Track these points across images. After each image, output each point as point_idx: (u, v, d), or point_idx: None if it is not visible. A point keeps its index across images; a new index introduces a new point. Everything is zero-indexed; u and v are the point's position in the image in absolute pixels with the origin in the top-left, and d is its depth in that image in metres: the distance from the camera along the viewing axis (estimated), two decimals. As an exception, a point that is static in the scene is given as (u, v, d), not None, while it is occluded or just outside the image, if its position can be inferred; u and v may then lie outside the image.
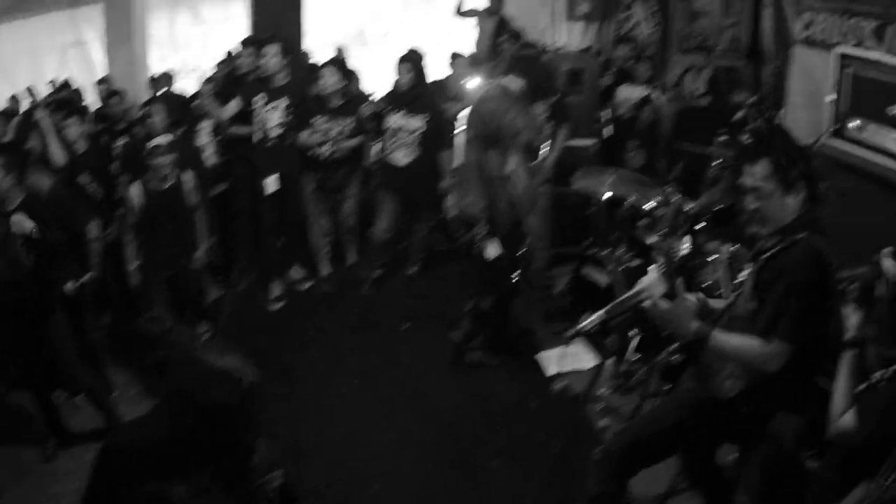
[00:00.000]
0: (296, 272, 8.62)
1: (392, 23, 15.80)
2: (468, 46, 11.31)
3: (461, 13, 11.59)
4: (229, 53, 9.34)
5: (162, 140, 6.95)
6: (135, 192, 6.91)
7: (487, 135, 6.23)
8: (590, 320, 4.93)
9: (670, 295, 3.71)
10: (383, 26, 15.78)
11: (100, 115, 9.66)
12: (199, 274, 7.41)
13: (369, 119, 8.48)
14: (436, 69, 9.27)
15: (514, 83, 6.41)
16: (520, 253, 6.59)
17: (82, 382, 6.02)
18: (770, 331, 3.51)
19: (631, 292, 4.52)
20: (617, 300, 4.89)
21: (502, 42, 10.13)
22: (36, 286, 5.71)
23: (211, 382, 2.64)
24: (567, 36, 13.10)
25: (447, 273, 8.65)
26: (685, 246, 5.66)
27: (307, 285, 8.64)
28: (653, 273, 4.14)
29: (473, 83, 8.54)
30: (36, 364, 5.85)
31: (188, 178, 7.10)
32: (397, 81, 8.18)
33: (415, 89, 8.01)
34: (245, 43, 8.97)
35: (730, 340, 3.65)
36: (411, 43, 8.83)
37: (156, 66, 13.31)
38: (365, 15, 15.72)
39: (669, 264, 3.91)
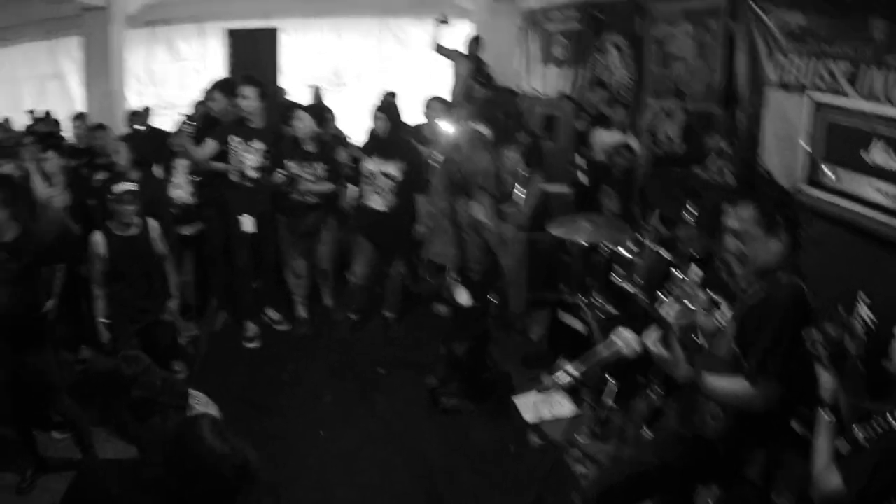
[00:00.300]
0: (272, 313, 8.61)
1: (366, 63, 15.89)
2: (444, 87, 11.35)
3: (440, 51, 11.63)
4: (206, 92, 9.32)
5: (127, 186, 6.70)
6: (98, 239, 6.67)
7: (457, 180, 6.26)
8: (568, 375, 4.93)
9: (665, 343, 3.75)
10: (358, 66, 15.85)
11: (76, 149, 9.64)
12: (172, 325, 7.22)
13: (346, 164, 8.50)
14: (411, 111, 9.31)
15: (483, 129, 6.45)
16: (492, 298, 6.62)
17: (71, 415, 6.02)
18: (760, 372, 3.54)
19: (609, 349, 4.53)
20: (594, 355, 4.89)
21: (475, 86, 10.20)
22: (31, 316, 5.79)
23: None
24: (542, 80, 13.20)
25: (423, 317, 8.65)
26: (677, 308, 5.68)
27: (284, 327, 8.61)
28: (627, 332, 4.19)
29: (446, 127, 8.60)
30: (25, 393, 5.86)
31: (154, 224, 6.93)
32: (374, 127, 8.20)
33: (391, 135, 8.03)
34: (221, 84, 8.96)
35: (720, 382, 3.68)
36: (386, 83, 8.89)
37: (133, 101, 13.28)
38: (339, 55, 15.79)
39: (665, 328, 3.91)
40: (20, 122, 12.91)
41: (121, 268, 6.70)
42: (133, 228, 6.73)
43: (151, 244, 6.87)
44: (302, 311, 8.71)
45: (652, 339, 3.85)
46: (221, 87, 8.78)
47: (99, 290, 6.70)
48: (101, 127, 9.65)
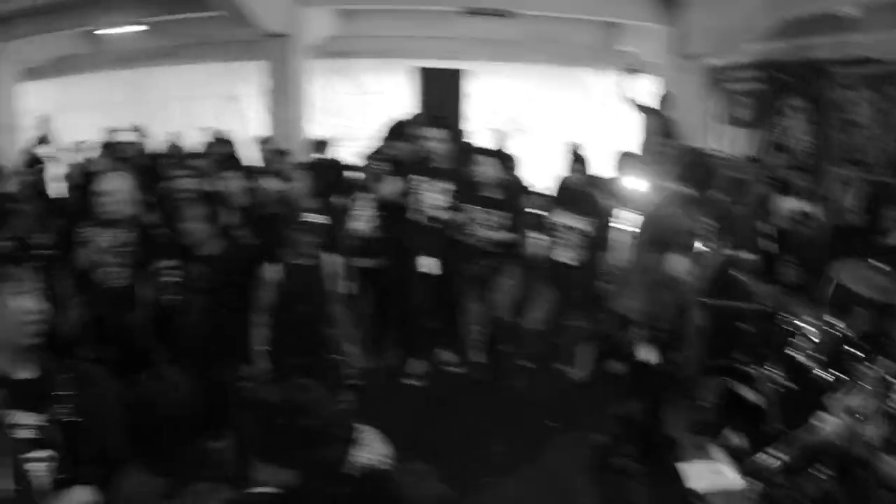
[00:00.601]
0: (447, 355, 8.66)
1: (548, 111, 15.90)
2: (626, 140, 11.32)
3: (630, 103, 11.52)
4: (392, 129, 9.43)
5: (312, 216, 6.66)
6: (272, 265, 6.55)
7: (658, 238, 6.25)
8: (770, 459, 4.86)
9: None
10: (539, 114, 15.86)
11: (256, 171, 9.88)
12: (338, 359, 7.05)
13: (532, 215, 8.51)
14: (594, 163, 9.31)
15: (686, 188, 6.43)
16: (676, 359, 6.56)
17: (243, 432, 6.18)
18: None
19: (816, 434, 4.46)
20: (797, 439, 4.80)
21: (668, 144, 10.13)
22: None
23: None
24: (723, 140, 13.07)
25: (599, 372, 8.54)
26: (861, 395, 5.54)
27: (457, 370, 8.62)
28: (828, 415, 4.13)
29: (640, 184, 8.56)
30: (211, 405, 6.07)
31: (335, 260, 6.72)
32: (564, 179, 8.19)
33: (581, 189, 8.02)
34: (406, 123, 9.08)
35: None
36: (567, 133, 8.88)
37: (312, 131, 13.48)
38: (522, 101, 15.83)
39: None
40: (194, 140, 13.24)
41: (291, 298, 6.53)
42: (310, 259, 6.61)
43: (327, 278, 6.73)
44: (477, 356, 8.67)
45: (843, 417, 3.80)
46: (406, 125, 8.91)
47: (264, 317, 6.57)
48: (284, 153, 9.86)
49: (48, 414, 3.24)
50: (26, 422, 3.13)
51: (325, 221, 6.75)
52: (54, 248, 6.98)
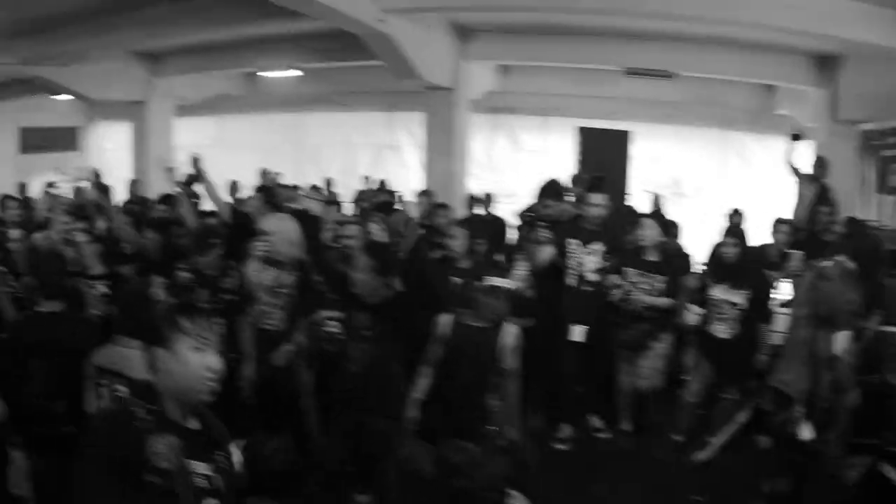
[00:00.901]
0: (595, 420, 8.53)
1: (707, 176, 15.73)
2: (784, 207, 11.12)
3: (790, 168, 11.29)
4: (550, 188, 9.38)
5: (498, 280, 6.35)
6: (447, 321, 6.33)
7: (822, 314, 6.10)
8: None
9: None
10: (698, 178, 15.71)
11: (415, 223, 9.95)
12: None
13: (694, 290, 8.33)
14: (753, 230, 9.13)
15: (849, 262, 6.28)
16: (827, 437, 6.39)
17: (391, 486, 6.19)
18: None
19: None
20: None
21: (822, 212, 9.92)
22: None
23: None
24: (876, 209, 12.76)
25: (749, 446, 8.28)
26: None
27: (605, 436, 8.49)
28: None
29: (798, 256, 8.40)
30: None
31: (513, 331, 6.30)
32: (722, 252, 8.03)
33: (739, 262, 7.85)
34: (570, 182, 9.05)
35: None
36: (725, 199, 8.75)
37: (470, 185, 13.54)
38: (681, 164, 15.70)
39: None
40: (349, 186, 13.41)
41: (459, 359, 6.26)
42: (489, 324, 6.28)
43: (501, 348, 6.29)
44: (625, 424, 8.53)
45: None
46: (564, 185, 8.88)
47: (428, 369, 6.40)
48: (444, 206, 9.90)
49: (215, 463, 3.25)
50: (200, 471, 3.15)
51: (511, 287, 6.61)
52: (238, 293, 7.03)
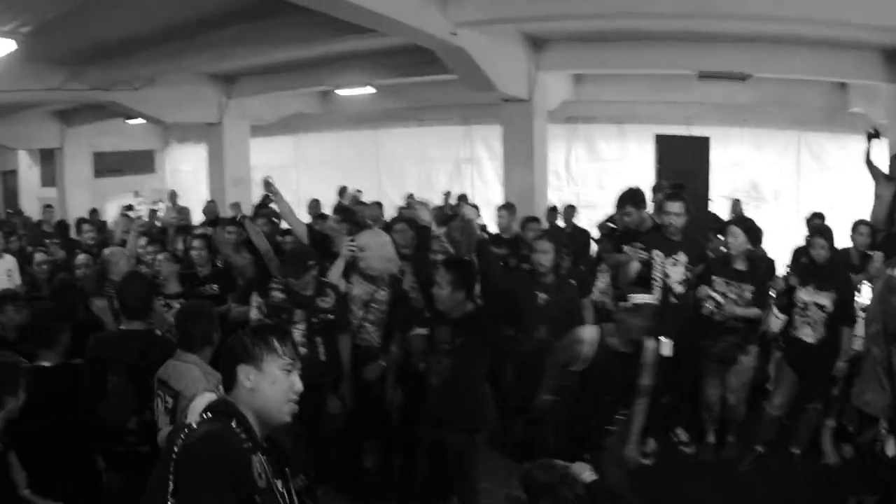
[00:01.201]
0: (680, 433, 8.41)
1: (784, 179, 15.49)
2: (861, 208, 10.87)
3: (868, 167, 11.01)
4: (629, 196, 9.26)
5: (641, 296, 6.32)
6: (589, 336, 6.16)
7: (891, 330, 5.90)
8: None
9: None
10: (776, 182, 15.48)
11: (499, 238, 9.90)
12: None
13: (780, 293, 8.18)
14: (835, 232, 8.96)
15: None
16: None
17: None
18: None
19: None
20: None
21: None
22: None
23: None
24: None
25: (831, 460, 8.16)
26: None
27: (689, 450, 8.39)
28: None
29: (878, 257, 8.23)
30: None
31: (653, 348, 6.26)
32: (810, 254, 7.85)
33: (827, 264, 7.69)
34: (650, 190, 8.93)
35: None
36: (805, 203, 8.58)
37: (550, 197, 13.46)
38: (758, 168, 15.48)
39: None
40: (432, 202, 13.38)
41: (598, 375, 6.09)
42: (631, 346, 6.22)
43: (643, 364, 6.24)
44: (710, 436, 8.39)
45: None
46: (643, 193, 8.75)
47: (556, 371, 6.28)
48: (534, 220, 9.83)
49: (293, 482, 3.34)
50: (279, 488, 3.21)
51: (655, 303, 6.53)
52: (334, 312, 7.03)
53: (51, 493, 5.12)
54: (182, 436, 3.15)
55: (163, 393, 5.21)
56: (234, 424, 3.13)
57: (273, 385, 3.24)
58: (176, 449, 3.10)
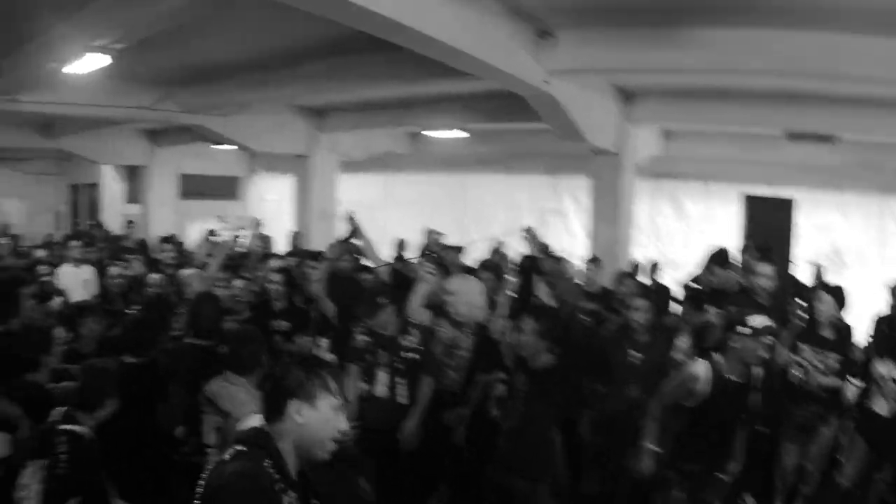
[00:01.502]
0: (749, 500, 8.27)
1: (868, 246, 15.22)
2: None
3: None
4: (715, 256, 9.19)
5: (759, 319, 6.17)
6: (704, 371, 6.04)
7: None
8: None
9: None
10: (859, 248, 15.23)
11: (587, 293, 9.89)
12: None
13: (860, 364, 8.06)
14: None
15: None
16: None
17: None
18: None
19: None
20: None
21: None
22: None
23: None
24: None
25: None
26: None
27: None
28: None
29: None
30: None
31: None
32: (886, 321, 7.72)
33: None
34: (738, 251, 8.86)
35: None
36: (889, 271, 8.45)
37: (634, 253, 13.45)
38: (842, 233, 15.25)
39: None
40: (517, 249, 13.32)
41: (715, 409, 6.04)
42: (744, 377, 6.16)
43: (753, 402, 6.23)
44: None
45: None
46: (730, 254, 8.68)
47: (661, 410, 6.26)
48: (629, 275, 9.82)
49: None
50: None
51: (774, 325, 6.37)
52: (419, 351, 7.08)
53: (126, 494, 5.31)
54: (212, 467, 3.26)
55: (210, 410, 5.43)
56: (266, 462, 3.17)
57: (323, 423, 3.30)
58: (202, 483, 3.19)
